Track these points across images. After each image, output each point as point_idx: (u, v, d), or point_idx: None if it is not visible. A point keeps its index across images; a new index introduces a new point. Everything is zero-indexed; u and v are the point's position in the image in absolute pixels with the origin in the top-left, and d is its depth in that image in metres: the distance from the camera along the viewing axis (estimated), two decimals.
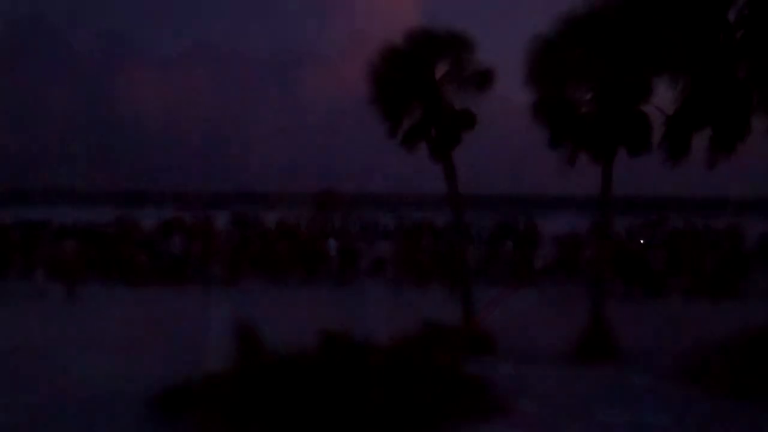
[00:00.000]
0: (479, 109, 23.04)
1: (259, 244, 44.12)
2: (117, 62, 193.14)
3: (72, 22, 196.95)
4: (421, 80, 22.73)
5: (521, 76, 21.30)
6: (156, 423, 15.74)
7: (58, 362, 21.24)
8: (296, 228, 58.71)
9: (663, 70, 9.76)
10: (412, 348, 19.54)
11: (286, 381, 15.51)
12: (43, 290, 33.69)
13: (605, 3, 11.07)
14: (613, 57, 18.38)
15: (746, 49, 9.19)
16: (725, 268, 37.81)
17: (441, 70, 23.06)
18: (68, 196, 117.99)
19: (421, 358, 17.67)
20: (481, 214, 72.45)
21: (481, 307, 23.29)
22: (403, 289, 35.58)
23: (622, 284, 34.11)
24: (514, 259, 40.88)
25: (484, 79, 22.30)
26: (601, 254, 22.97)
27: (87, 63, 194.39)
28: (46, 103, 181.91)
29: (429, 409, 15.52)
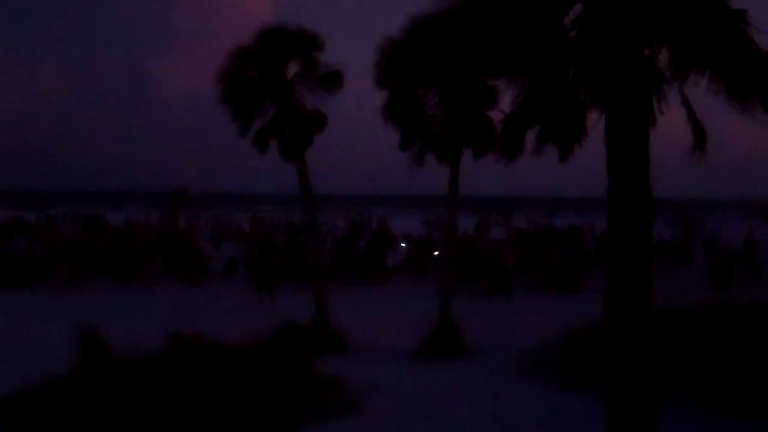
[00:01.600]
0: (331, 109, 23.18)
1: (106, 245, 42.80)
2: None
3: None
4: (272, 79, 22.60)
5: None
6: None
7: None
8: (146, 228, 57.35)
9: (500, 74, 10.11)
10: (263, 348, 19.47)
11: (132, 384, 15.13)
12: None
13: (449, 5, 11.32)
14: (455, 59, 18.85)
15: (579, 51, 9.62)
16: (568, 265, 39.50)
17: (293, 69, 23.02)
18: None
19: (273, 358, 17.61)
20: (335, 214, 72.67)
21: None
22: (257, 288, 35.30)
23: (470, 282, 35.07)
24: (366, 258, 41.24)
25: (333, 80, 22.40)
26: (449, 252, 23.51)
27: None
28: None
29: (281, 409, 15.47)
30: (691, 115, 9.69)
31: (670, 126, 10.03)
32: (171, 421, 14.32)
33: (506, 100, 10.24)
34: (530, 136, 9.78)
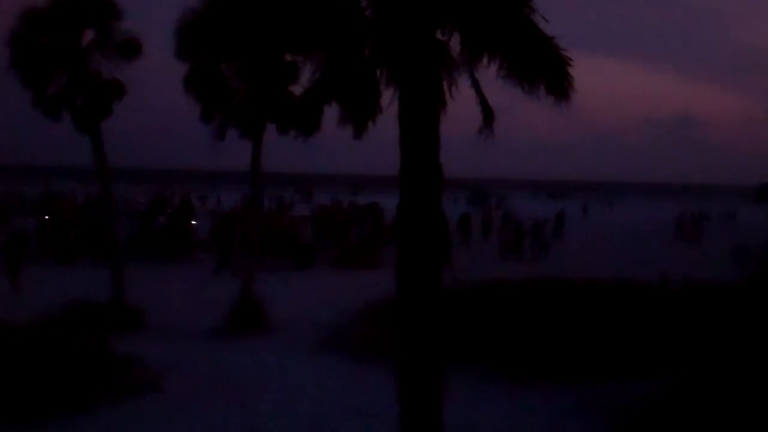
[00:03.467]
0: (130, 79, 22.42)
1: None
2: None
3: None
4: (65, 46, 21.58)
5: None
6: None
7: None
8: None
9: (296, 50, 10.17)
10: (55, 327, 18.69)
11: None
12: None
13: None
14: (254, 34, 18.72)
15: (374, 30, 9.76)
16: (368, 241, 40.38)
17: (89, 36, 22.09)
18: None
19: (65, 338, 16.94)
20: (136, 188, 70.61)
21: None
22: (48, 266, 33.81)
23: (273, 257, 35.13)
24: (168, 234, 40.33)
25: (131, 49, 21.65)
26: (252, 228, 23.40)
27: None
28: None
29: (73, 390, 14.91)
30: (480, 96, 10.07)
31: (474, 109, 10.32)
32: None
33: (307, 76, 10.23)
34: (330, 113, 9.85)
